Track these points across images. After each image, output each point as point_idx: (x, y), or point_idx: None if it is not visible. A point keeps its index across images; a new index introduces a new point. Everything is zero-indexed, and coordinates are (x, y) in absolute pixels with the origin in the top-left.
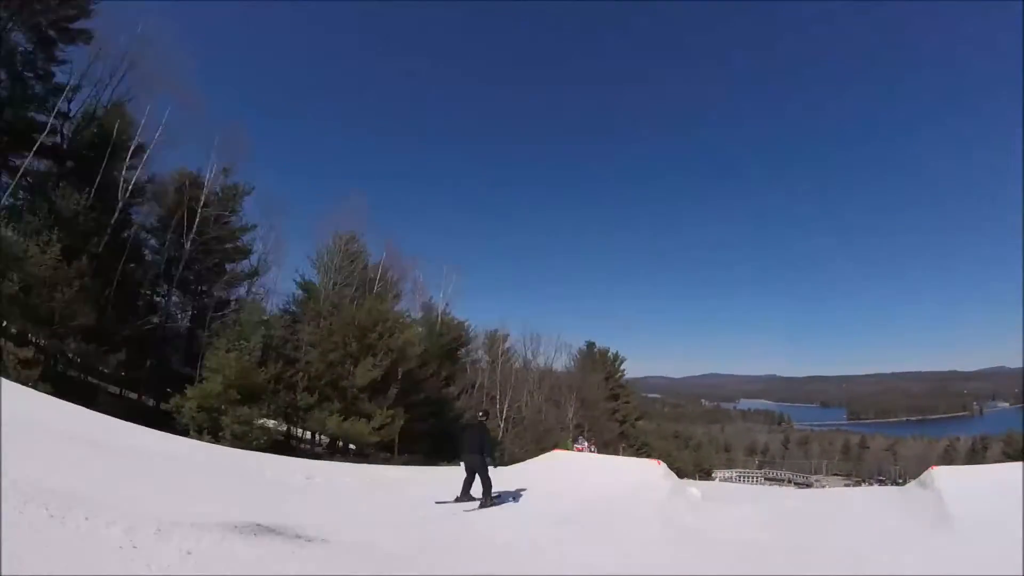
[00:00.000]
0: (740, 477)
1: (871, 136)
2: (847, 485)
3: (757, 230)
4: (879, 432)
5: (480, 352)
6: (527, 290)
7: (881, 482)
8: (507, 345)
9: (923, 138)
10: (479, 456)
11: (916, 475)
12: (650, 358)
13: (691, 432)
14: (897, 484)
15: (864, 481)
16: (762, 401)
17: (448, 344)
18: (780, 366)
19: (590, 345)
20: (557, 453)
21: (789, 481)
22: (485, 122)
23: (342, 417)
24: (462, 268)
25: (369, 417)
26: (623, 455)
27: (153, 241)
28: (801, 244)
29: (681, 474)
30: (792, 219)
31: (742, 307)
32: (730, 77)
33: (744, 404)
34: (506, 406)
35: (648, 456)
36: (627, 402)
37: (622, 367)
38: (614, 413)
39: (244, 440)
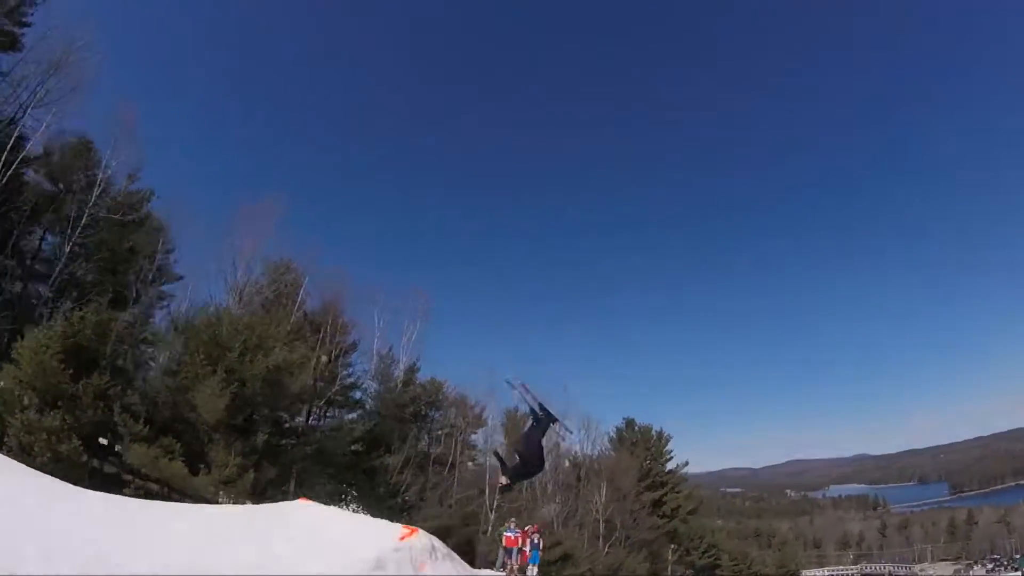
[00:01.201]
0: None
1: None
2: (957, 571)
3: (825, 299)
4: (987, 503)
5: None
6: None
7: (996, 561)
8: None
9: None
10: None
11: None
12: (726, 450)
13: (775, 528)
14: (1014, 560)
15: (976, 562)
16: (853, 485)
17: (408, 404)
18: (870, 444)
19: (629, 422)
20: None
21: (890, 575)
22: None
23: (169, 457)
24: (445, 313)
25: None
26: (670, 558)
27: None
28: (878, 306)
29: None
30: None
31: (822, 385)
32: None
33: (834, 491)
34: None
35: (713, 559)
36: (676, 492)
37: (668, 449)
38: (658, 506)
39: (28, 453)
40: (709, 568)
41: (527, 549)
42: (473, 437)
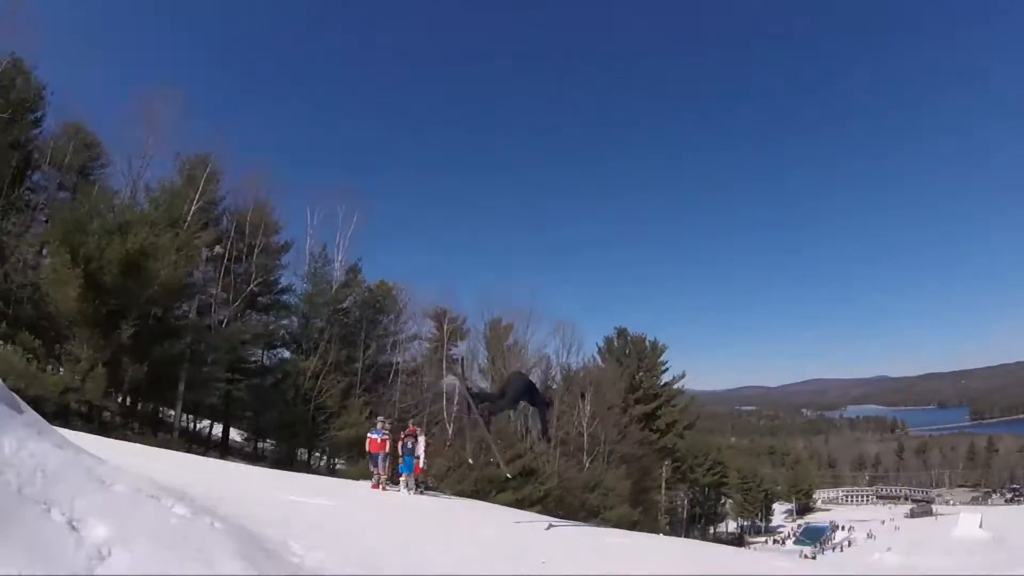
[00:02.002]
0: (847, 497)
1: None
2: (975, 498)
3: (860, 218)
4: (1008, 432)
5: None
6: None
7: (1016, 491)
8: (511, 340)
9: None
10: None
11: None
12: (742, 367)
13: (789, 446)
14: None
15: (995, 491)
16: (871, 406)
17: (348, 308)
18: (890, 366)
19: (620, 332)
20: None
21: (906, 498)
22: None
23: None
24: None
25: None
26: (664, 475)
27: None
28: (902, 225)
29: (772, 498)
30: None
31: (843, 304)
32: None
33: (851, 411)
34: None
35: (718, 477)
36: (672, 405)
37: (663, 360)
38: (651, 420)
39: None
40: (714, 485)
41: (417, 456)
42: (455, 350)
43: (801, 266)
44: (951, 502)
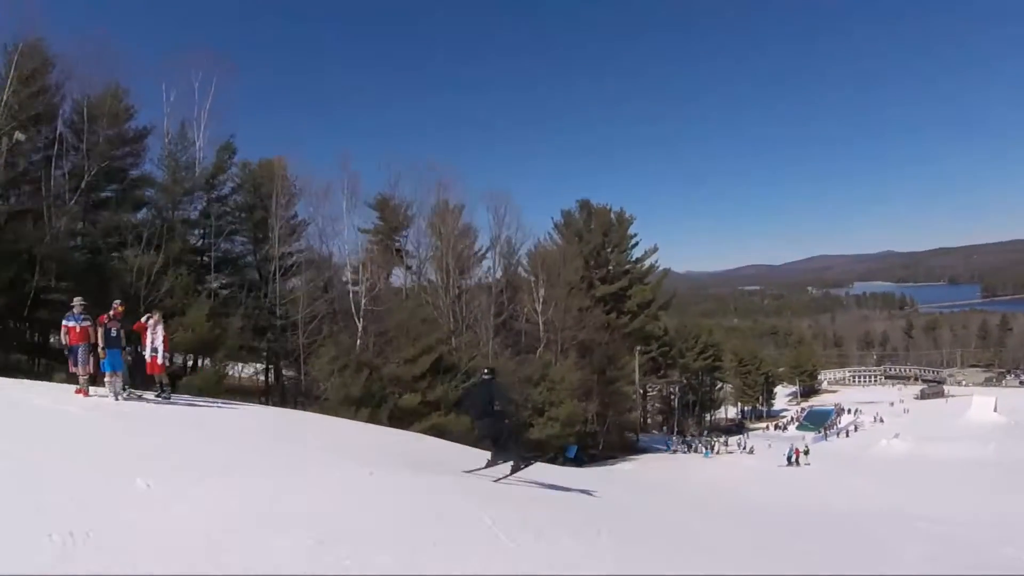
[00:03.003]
0: (854, 377)
1: None
2: (988, 379)
3: (860, 80)
4: (1022, 310)
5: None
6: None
7: None
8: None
9: None
10: (489, 418)
11: None
12: (745, 246)
13: (793, 326)
14: None
15: (1009, 372)
16: (879, 283)
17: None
18: (898, 240)
19: (582, 205)
20: None
21: (916, 378)
22: None
23: None
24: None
25: None
26: (637, 361)
27: None
28: (907, 92)
29: (773, 381)
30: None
31: (848, 176)
32: None
33: (858, 288)
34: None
35: (711, 360)
36: (644, 283)
37: (632, 234)
38: (621, 301)
39: None
40: (707, 370)
41: (155, 349)
42: (400, 239)
43: (803, 138)
44: (963, 383)
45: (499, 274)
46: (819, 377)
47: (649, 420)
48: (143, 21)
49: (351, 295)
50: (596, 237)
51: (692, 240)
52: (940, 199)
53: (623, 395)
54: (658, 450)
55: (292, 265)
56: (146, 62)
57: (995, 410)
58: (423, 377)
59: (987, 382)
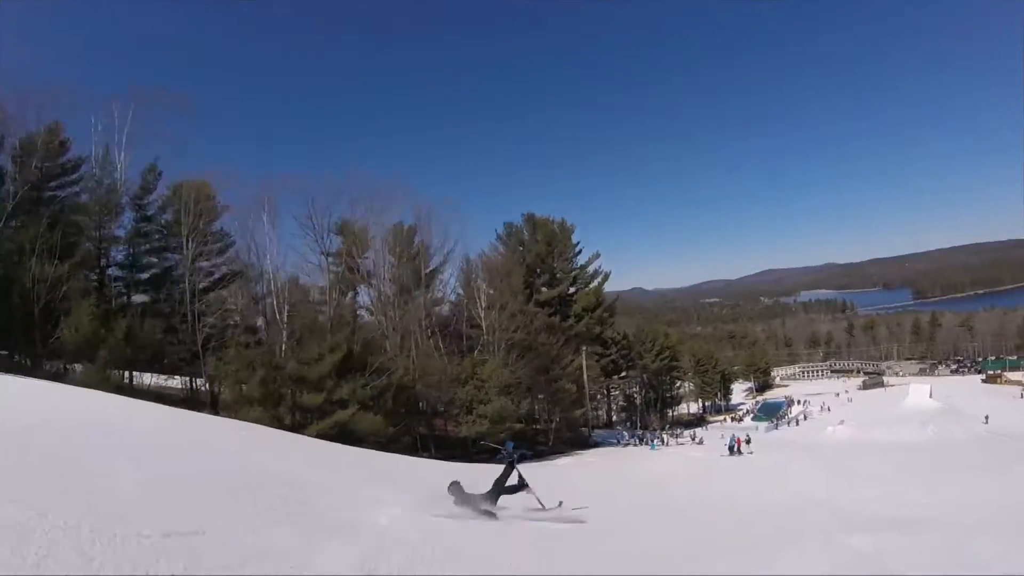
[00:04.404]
0: (803, 373)
1: None
2: (922, 369)
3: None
4: (948, 309)
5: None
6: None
7: (960, 363)
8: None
9: None
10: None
11: (994, 350)
12: (705, 264)
13: (748, 330)
14: (977, 363)
15: (940, 362)
16: (822, 291)
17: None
18: (837, 252)
19: (528, 218)
20: None
21: (858, 372)
22: None
23: None
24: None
25: None
26: (583, 362)
27: None
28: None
29: (730, 378)
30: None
31: (794, 195)
32: None
33: (804, 296)
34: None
35: (668, 361)
36: (586, 289)
37: (576, 242)
38: (565, 304)
39: None
40: (666, 370)
41: None
42: (362, 260)
43: (754, 161)
44: (900, 373)
45: (452, 285)
46: (772, 374)
47: (615, 417)
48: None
49: (274, 304)
50: (540, 246)
51: (660, 261)
52: (874, 215)
53: (567, 392)
54: (611, 444)
55: (221, 278)
56: (90, 89)
57: (930, 396)
58: (329, 376)
59: (921, 372)
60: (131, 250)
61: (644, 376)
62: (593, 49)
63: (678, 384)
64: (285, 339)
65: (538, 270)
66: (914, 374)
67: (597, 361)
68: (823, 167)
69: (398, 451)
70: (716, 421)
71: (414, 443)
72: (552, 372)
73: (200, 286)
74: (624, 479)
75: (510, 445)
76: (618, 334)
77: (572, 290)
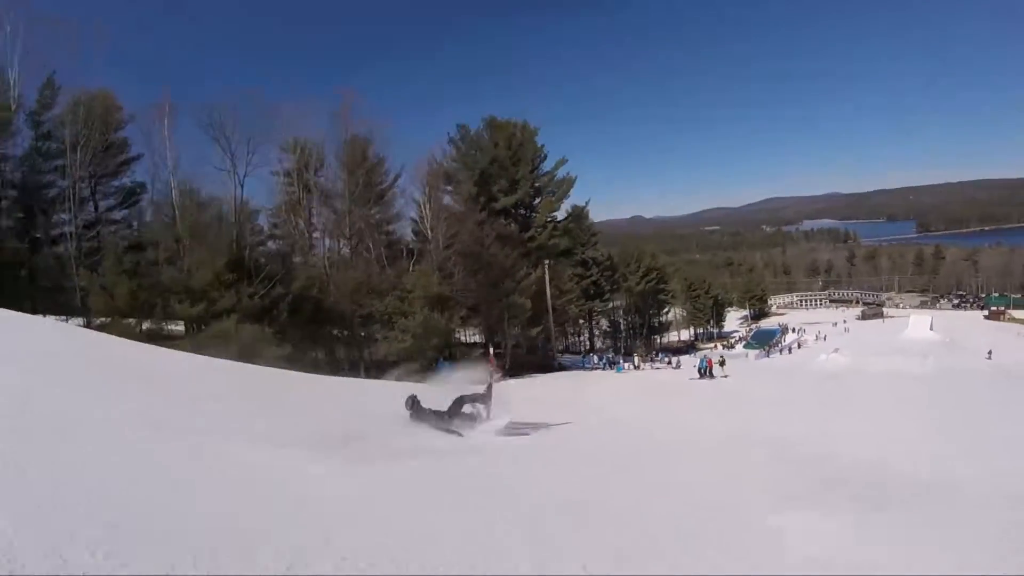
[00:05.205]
0: (801, 301)
1: None
2: (924, 303)
3: (804, 29)
4: (952, 243)
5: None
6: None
7: (962, 297)
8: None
9: None
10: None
11: (999, 287)
12: (708, 191)
13: (747, 258)
14: (980, 299)
15: (943, 296)
16: (825, 220)
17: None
18: (842, 182)
19: (489, 122)
20: None
21: (857, 302)
22: None
23: None
24: None
25: None
26: (545, 275)
27: None
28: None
29: (723, 304)
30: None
31: (798, 121)
32: None
33: (807, 225)
34: None
35: (654, 283)
36: (551, 194)
37: (540, 145)
38: (528, 213)
39: None
40: (651, 293)
41: None
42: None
43: (758, 86)
44: (901, 305)
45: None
46: (769, 302)
47: (600, 343)
48: None
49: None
50: (499, 151)
51: (660, 188)
52: (881, 145)
53: (519, 307)
54: (581, 369)
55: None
56: None
57: (931, 328)
58: (213, 286)
59: (922, 305)
60: (29, 169)
61: (629, 299)
62: None
63: (666, 309)
64: (164, 248)
65: (495, 176)
66: (915, 307)
67: (577, 283)
68: (828, 94)
69: (302, 370)
70: (707, 348)
71: (332, 361)
72: (503, 286)
73: (104, 203)
74: (558, 402)
75: (441, 364)
76: (601, 254)
77: (536, 201)
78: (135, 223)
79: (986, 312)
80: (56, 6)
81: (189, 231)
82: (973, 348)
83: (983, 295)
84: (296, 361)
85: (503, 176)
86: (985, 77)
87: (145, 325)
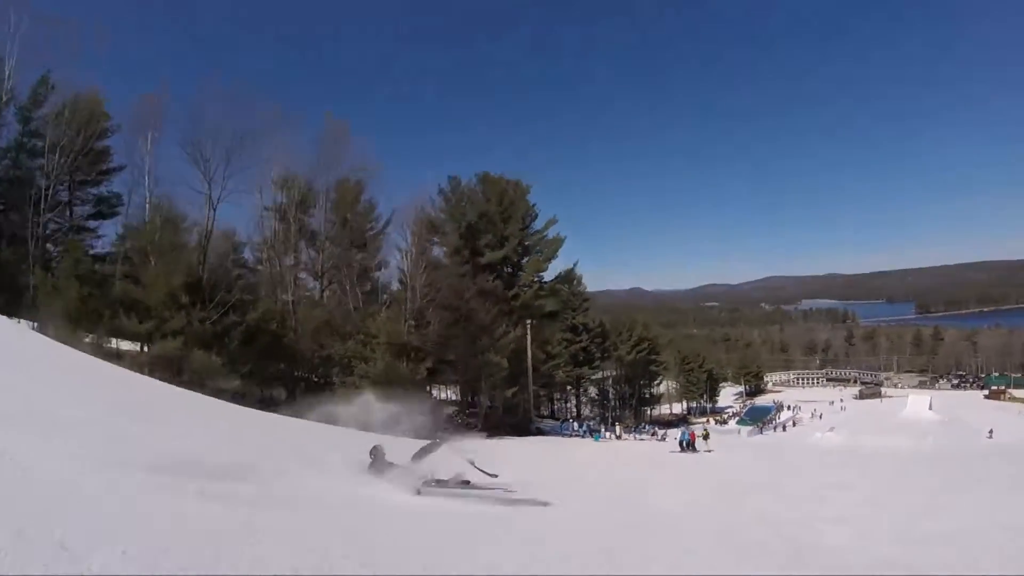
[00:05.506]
0: (798, 379)
1: None
2: (923, 383)
3: (808, 120)
4: (951, 325)
5: None
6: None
7: (962, 377)
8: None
9: None
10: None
11: (999, 366)
12: (707, 269)
13: (745, 335)
14: (979, 379)
15: (942, 377)
16: (824, 300)
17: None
18: (842, 264)
19: (483, 178)
20: None
21: (855, 381)
22: None
23: None
24: None
25: None
26: (527, 334)
27: None
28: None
29: (717, 379)
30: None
31: (800, 204)
32: None
33: (806, 304)
34: None
35: (645, 353)
36: (538, 253)
37: (532, 203)
38: (514, 273)
39: None
40: (642, 363)
41: None
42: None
43: (761, 165)
44: (899, 385)
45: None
46: (765, 379)
47: (587, 411)
48: None
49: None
50: (490, 206)
51: (661, 262)
52: (880, 227)
53: (495, 366)
54: (560, 435)
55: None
56: None
57: (930, 408)
58: (167, 305)
59: (921, 385)
60: (12, 163)
61: (620, 369)
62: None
63: (658, 381)
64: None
65: (483, 230)
66: (913, 387)
67: (566, 347)
68: (828, 173)
69: (249, 405)
70: (699, 422)
71: (290, 397)
72: (480, 342)
73: (80, 210)
74: (507, 463)
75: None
76: (592, 321)
77: (524, 259)
78: (105, 235)
79: (986, 392)
80: (58, 5)
81: (151, 246)
82: (974, 427)
83: (983, 375)
84: (249, 396)
85: (491, 231)
86: (986, 159)
87: (87, 338)
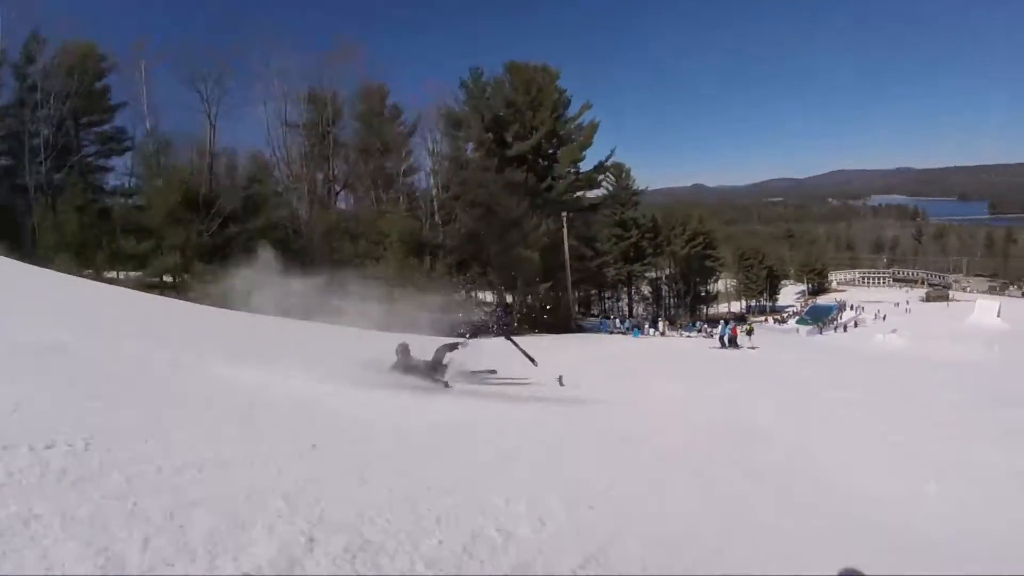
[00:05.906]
0: (863, 279)
1: None
2: (992, 288)
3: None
4: None
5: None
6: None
7: None
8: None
9: None
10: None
11: None
12: (771, 161)
13: (810, 231)
14: None
15: (1012, 284)
16: (895, 196)
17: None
18: (914, 157)
19: (509, 66)
20: None
21: (923, 282)
22: None
23: None
24: None
25: None
26: (564, 231)
27: None
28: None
29: (778, 276)
30: None
31: (870, 93)
32: None
33: (875, 200)
34: None
35: (700, 248)
36: (572, 140)
37: (561, 88)
38: (549, 165)
39: None
40: (697, 258)
41: None
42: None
43: (828, 53)
44: (968, 289)
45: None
46: (829, 277)
47: (641, 310)
48: None
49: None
50: (517, 95)
51: (723, 156)
52: (954, 120)
53: (526, 262)
54: (600, 331)
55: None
56: None
57: (998, 315)
58: (167, 223)
59: (991, 290)
60: (14, 119)
61: (674, 265)
62: None
63: (714, 278)
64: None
65: (510, 122)
66: (983, 291)
67: (615, 243)
68: (901, 59)
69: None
70: (758, 321)
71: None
72: (509, 237)
73: (89, 150)
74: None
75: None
76: (643, 215)
77: (557, 151)
78: (116, 169)
79: None
80: None
81: (148, 170)
82: None
83: None
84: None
85: (518, 121)
86: None
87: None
